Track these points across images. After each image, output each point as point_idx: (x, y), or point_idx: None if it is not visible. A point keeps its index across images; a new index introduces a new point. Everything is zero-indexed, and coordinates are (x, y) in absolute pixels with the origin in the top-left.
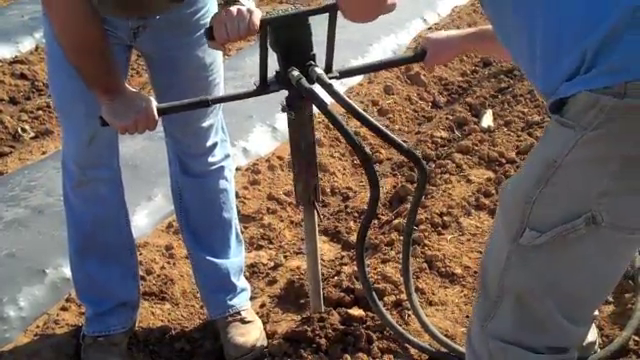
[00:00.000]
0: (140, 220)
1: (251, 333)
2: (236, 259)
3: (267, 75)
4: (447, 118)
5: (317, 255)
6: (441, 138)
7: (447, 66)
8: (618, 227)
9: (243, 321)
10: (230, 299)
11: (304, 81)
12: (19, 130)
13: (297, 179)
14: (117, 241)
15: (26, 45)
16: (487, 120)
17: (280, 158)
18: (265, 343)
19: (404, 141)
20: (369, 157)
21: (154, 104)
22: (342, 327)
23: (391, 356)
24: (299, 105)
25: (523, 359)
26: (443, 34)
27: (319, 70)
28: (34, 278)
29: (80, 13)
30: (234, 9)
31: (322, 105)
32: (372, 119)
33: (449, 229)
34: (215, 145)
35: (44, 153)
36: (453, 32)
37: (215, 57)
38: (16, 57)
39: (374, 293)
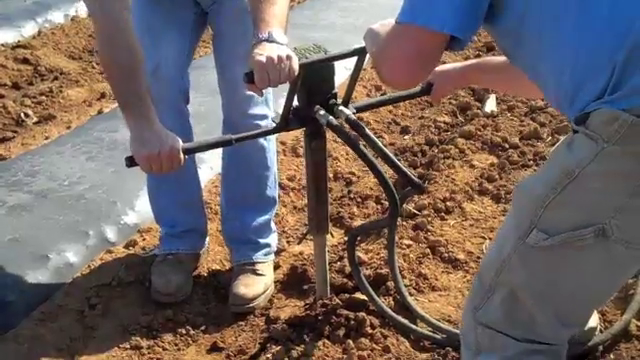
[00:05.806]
0: None
1: (255, 286)
2: (264, 216)
3: (289, 114)
4: (450, 103)
5: (327, 280)
6: (444, 123)
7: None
8: (627, 243)
9: (255, 272)
10: (249, 251)
11: (333, 119)
12: (22, 115)
13: (309, 208)
14: (185, 175)
15: (28, 30)
16: (490, 105)
17: (283, 143)
18: (265, 302)
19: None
20: (397, 201)
21: (180, 143)
22: (345, 312)
23: (394, 341)
24: (316, 140)
25: (509, 347)
26: (447, 66)
27: (347, 111)
28: (37, 263)
29: (123, 42)
30: (274, 55)
31: (355, 144)
32: (398, 162)
33: (452, 214)
34: (251, 97)
35: (47, 138)
36: (457, 64)
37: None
38: (19, 42)
39: (369, 286)
